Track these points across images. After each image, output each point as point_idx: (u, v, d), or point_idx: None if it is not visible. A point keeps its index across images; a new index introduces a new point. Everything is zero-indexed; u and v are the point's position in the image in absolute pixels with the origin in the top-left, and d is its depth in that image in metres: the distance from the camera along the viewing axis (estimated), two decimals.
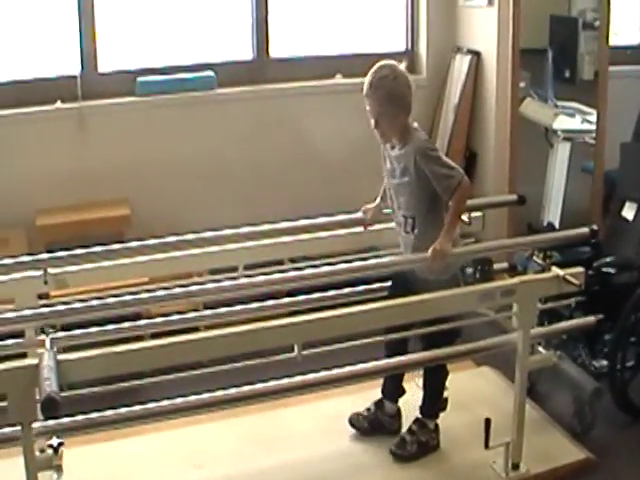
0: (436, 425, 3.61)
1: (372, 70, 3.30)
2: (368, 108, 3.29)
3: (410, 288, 3.26)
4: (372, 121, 3.29)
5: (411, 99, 3.30)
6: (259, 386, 2.99)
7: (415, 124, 3.35)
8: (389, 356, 3.42)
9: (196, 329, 3.42)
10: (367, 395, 3.75)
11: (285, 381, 3.03)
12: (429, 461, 3.54)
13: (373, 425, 3.71)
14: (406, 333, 3.30)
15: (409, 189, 3.34)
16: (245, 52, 5.39)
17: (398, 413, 3.72)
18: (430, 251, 3.24)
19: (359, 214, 3.68)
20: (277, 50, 5.39)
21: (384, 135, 3.33)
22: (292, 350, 3.10)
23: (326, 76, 5.37)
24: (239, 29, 5.38)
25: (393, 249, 3.57)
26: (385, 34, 5.72)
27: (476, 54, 5.34)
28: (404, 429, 3.64)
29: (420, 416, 3.61)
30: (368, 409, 3.74)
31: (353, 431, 3.71)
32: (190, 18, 5.27)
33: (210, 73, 5.16)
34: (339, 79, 5.36)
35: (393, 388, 3.70)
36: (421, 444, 3.56)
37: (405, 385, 3.71)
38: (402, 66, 3.33)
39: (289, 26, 5.43)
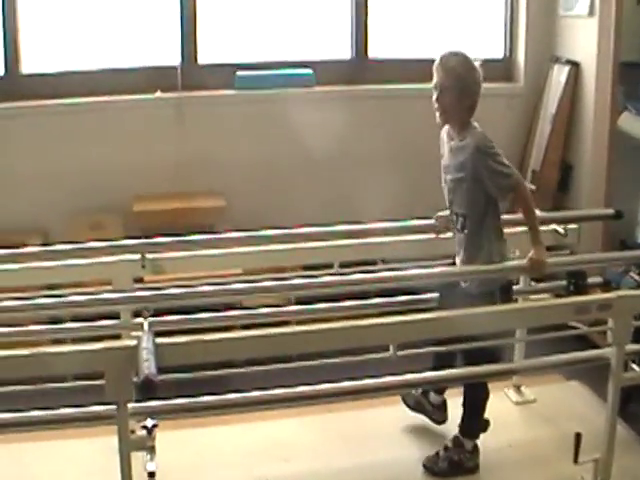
0: (475, 446, 3.51)
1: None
2: (434, 81, 3.25)
3: (454, 300, 3.23)
4: (434, 95, 3.25)
5: (477, 91, 3.25)
6: (353, 383, 2.96)
7: (476, 124, 3.30)
8: (438, 367, 3.37)
9: (287, 323, 3.43)
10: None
11: (381, 380, 2.99)
12: (516, 472, 3.50)
13: (417, 406, 3.70)
14: (456, 346, 3.27)
15: (464, 186, 3.29)
16: (344, 51, 5.42)
17: (444, 405, 3.68)
18: (527, 262, 3.22)
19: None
20: (375, 51, 5.40)
21: (443, 114, 3.27)
22: (387, 350, 3.09)
23: (423, 79, 5.34)
24: (338, 28, 5.41)
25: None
26: (483, 40, 5.69)
27: (575, 65, 5.27)
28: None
29: (458, 434, 3.54)
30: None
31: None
32: (291, 15, 5.31)
33: (309, 71, 5.19)
34: None
35: None
36: (452, 462, 3.47)
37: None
38: (477, 62, 3.27)
39: (388, 27, 5.43)
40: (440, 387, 3.64)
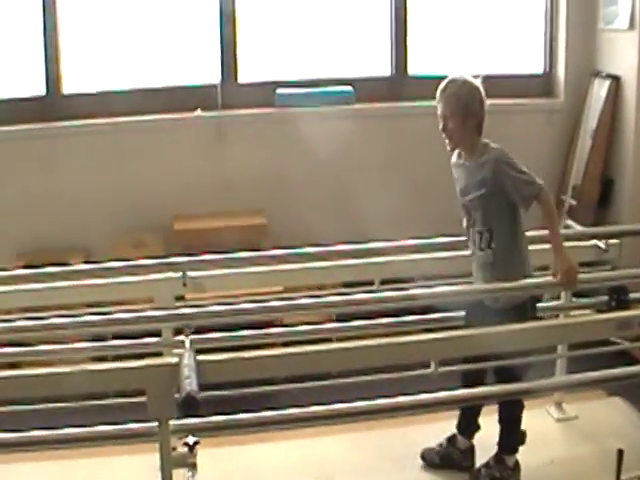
0: (516, 462, 3.47)
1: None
2: (438, 113, 3.28)
3: (483, 317, 3.21)
4: (440, 124, 3.28)
5: (480, 109, 3.26)
6: (395, 400, 2.92)
7: (489, 142, 3.30)
8: (468, 385, 3.32)
9: (327, 340, 3.43)
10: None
11: (423, 397, 2.94)
12: None
13: (444, 460, 3.62)
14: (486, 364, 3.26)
15: (486, 201, 3.28)
16: (383, 68, 5.44)
17: (471, 449, 3.61)
18: (558, 276, 3.19)
19: None
20: (415, 67, 5.42)
21: (451, 140, 3.30)
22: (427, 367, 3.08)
23: None
24: (378, 45, 5.43)
25: None
26: (523, 55, 5.68)
27: (615, 79, 5.24)
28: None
29: (499, 451, 3.49)
30: (440, 444, 3.64)
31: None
32: (330, 32, 5.34)
33: (348, 88, 5.21)
34: None
35: (468, 423, 3.61)
36: (494, 479, 3.47)
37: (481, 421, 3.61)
38: (477, 80, 3.29)
39: (428, 44, 5.45)
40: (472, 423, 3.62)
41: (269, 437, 3.44)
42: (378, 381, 3.07)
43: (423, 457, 3.66)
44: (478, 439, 3.59)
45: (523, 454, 3.47)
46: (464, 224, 3.43)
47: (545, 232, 3.28)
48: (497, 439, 3.49)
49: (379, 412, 2.98)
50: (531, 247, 3.39)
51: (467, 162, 3.35)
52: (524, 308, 3.29)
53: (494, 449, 3.48)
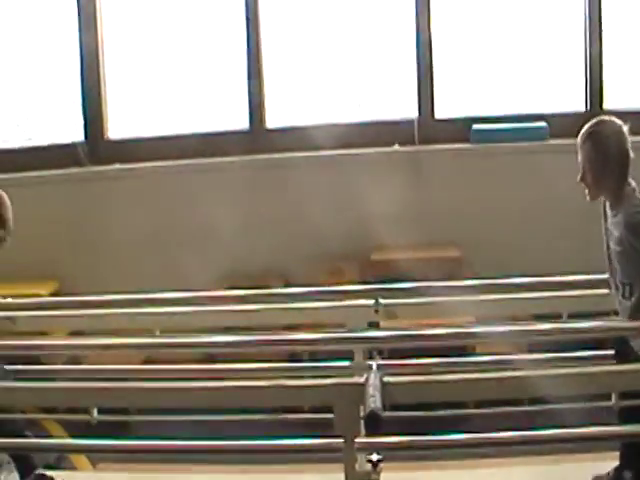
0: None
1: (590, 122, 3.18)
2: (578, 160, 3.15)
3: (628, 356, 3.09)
4: (578, 176, 3.15)
5: (624, 161, 3.09)
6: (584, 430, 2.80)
7: (633, 184, 3.12)
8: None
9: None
10: None
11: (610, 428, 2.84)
12: None
13: None
14: None
15: (625, 258, 3.12)
16: (578, 103, 5.41)
17: None
18: None
19: None
20: (612, 102, 5.34)
21: (589, 191, 3.15)
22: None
23: None
24: (572, 80, 5.41)
25: None
26: None
27: None
28: None
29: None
30: (608, 473, 3.40)
31: None
32: (523, 67, 5.39)
33: (542, 124, 5.22)
34: None
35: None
36: None
37: None
38: (624, 127, 3.12)
39: (625, 78, 5.40)
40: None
41: (450, 465, 3.41)
42: (560, 409, 3.04)
43: None
44: None
45: None
46: (607, 269, 3.29)
47: None
48: None
49: (576, 440, 2.89)
50: None
51: (610, 212, 3.19)
52: None
53: None
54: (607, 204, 3.18)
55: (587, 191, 3.15)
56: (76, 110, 5.60)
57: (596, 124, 3.16)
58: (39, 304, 3.76)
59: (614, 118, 3.17)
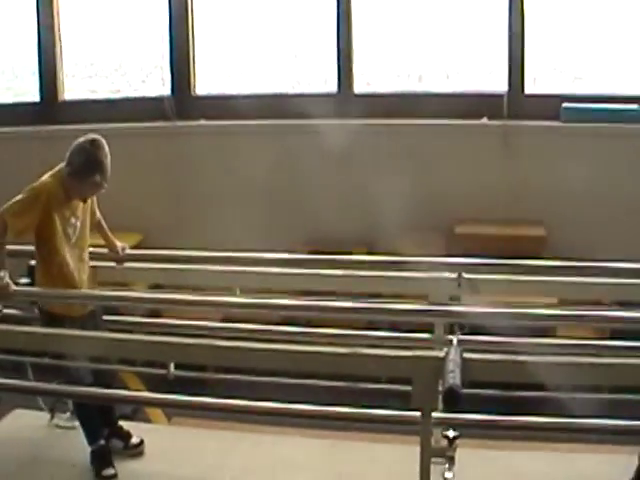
0: None
1: None
2: None
3: None
4: None
5: None
6: None
7: None
8: None
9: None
10: None
11: None
12: None
13: None
14: None
15: None
16: None
17: None
18: None
19: None
20: None
21: None
22: None
23: None
24: None
25: None
26: None
27: None
28: None
29: None
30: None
31: None
32: (620, 48, 5.25)
33: (636, 106, 5.08)
34: None
35: None
36: None
37: None
38: None
39: None
40: None
41: (532, 447, 3.37)
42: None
43: None
44: None
45: None
46: None
47: None
48: None
49: None
50: None
51: None
52: None
53: None
54: None
55: None
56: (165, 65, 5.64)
57: None
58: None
59: None
